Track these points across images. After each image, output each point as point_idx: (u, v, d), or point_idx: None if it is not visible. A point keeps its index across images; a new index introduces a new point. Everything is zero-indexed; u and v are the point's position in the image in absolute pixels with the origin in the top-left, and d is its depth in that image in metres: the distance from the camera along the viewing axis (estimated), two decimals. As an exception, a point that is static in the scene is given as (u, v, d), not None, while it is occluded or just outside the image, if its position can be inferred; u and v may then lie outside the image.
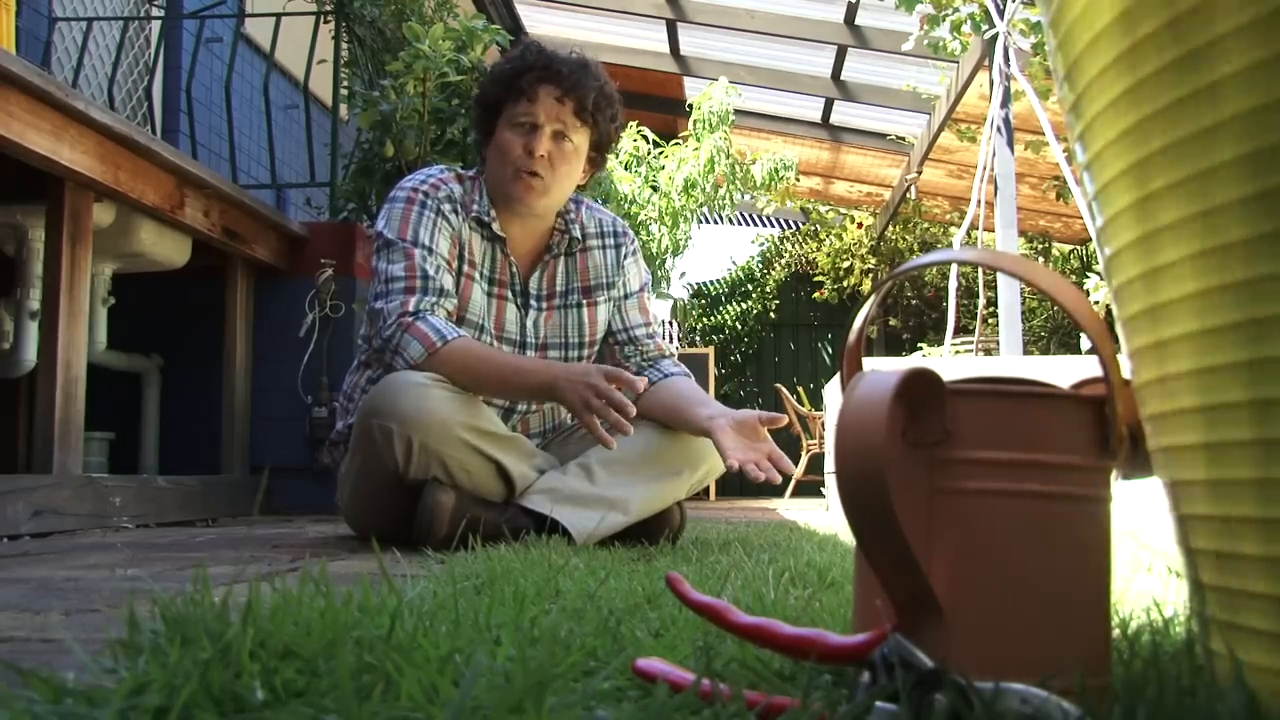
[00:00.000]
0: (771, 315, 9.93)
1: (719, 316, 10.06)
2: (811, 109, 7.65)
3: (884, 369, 0.61)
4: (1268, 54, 0.52)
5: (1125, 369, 0.66)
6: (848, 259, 9.32)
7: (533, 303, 2.19)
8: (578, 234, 2.21)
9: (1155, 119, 0.58)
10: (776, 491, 8.54)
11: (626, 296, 2.27)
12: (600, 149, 2.17)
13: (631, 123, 5.86)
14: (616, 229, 2.28)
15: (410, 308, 1.98)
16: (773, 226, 10.40)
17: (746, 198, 6.86)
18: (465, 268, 2.12)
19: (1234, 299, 0.55)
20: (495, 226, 2.13)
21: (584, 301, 2.23)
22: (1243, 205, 0.54)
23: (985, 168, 4.79)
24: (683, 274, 6.48)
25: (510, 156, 2.06)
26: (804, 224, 9.89)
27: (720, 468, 2.17)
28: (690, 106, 5.98)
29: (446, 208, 2.09)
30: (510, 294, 2.18)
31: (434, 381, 1.93)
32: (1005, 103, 4.57)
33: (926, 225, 8.99)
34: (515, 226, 2.17)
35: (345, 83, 4.06)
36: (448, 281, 2.04)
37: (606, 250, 2.25)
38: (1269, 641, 0.56)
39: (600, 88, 2.09)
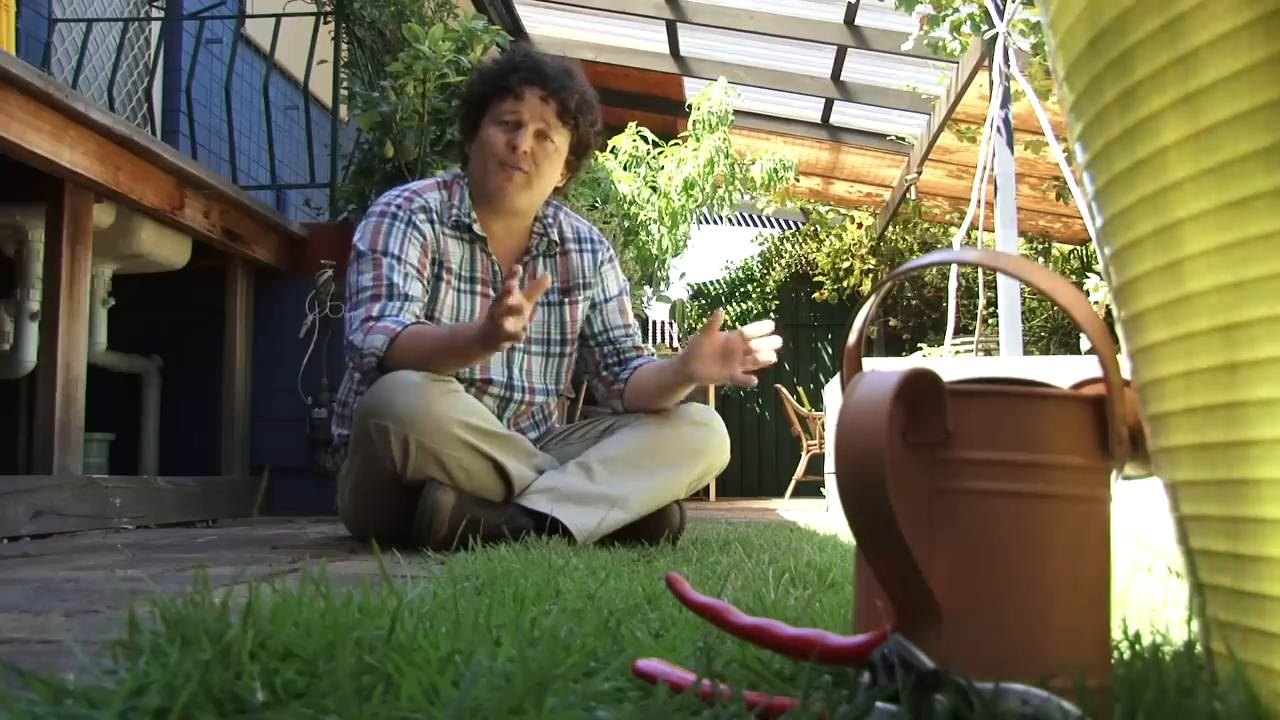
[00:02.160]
0: (771, 315, 9.92)
1: (719, 317, 10.05)
2: (811, 109, 7.64)
3: (884, 369, 0.61)
4: (1270, 52, 0.52)
5: (1125, 369, 0.66)
6: (848, 259, 9.32)
7: None
8: (556, 237, 2.29)
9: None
10: (777, 492, 8.55)
11: (606, 300, 2.33)
12: (579, 153, 2.25)
13: (631, 123, 5.86)
14: (593, 236, 2.37)
15: (374, 312, 2.02)
16: (772, 227, 10.40)
17: (746, 198, 6.86)
18: (443, 273, 2.16)
19: (1241, 296, 0.55)
20: (476, 227, 2.19)
21: (564, 300, 2.30)
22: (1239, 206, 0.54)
23: (985, 168, 4.78)
24: (683, 274, 6.49)
25: (494, 150, 2.14)
26: (804, 224, 9.89)
27: (720, 464, 2.20)
28: (690, 107, 5.98)
29: (420, 218, 2.15)
30: (493, 291, 2.23)
31: (430, 380, 1.93)
32: (1005, 103, 4.57)
33: (926, 225, 8.98)
34: (496, 225, 2.23)
35: (345, 84, 4.06)
36: (415, 289, 2.08)
37: (584, 254, 2.32)
38: (1269, 641, 0.56)
39: (583, 93, 2.18)
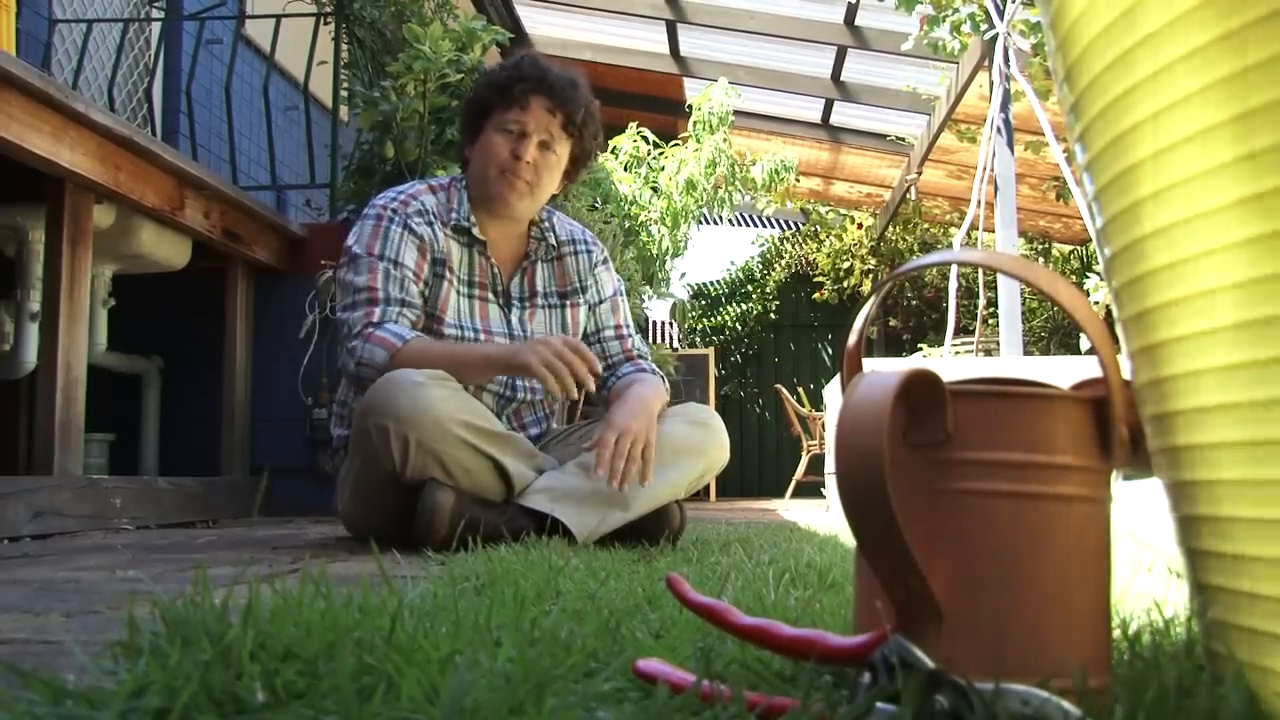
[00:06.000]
0: (771, 316, 9.93)
1: (719, 317, 10.06)
2: (811, 110, 7.64)
3: (884, 370, 0.61)
4: (1270, 52, 0.52)
5: (1125, 369, 0.66)
6: (848, 260, 9.32)
7: (515, 302, 2.28)
8: (553, 240, 2.32)
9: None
10: (777, 492, 8.55)
11: (600, 301, 2.37)
12: (578, 163, 2.29)
13: (631, 124, 5.85)
14: (586, 238, 2.40)
15: (375, 318, 2.04)
16: (773, 227, 10.40)
17: (746, 198, 6.86)
18: (445, 273, 2.18)
19: (1240, 298, 0.55)
20: (476, 231, 2.21)
21: (564, 303, 2.33)
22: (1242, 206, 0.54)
23: (985, 168, 4.78)
24: (683, 275, 6.49)
25: (496, 158, 2.16)
26: (804, 225, 9.89)
27: (720, 464, 2.21)
28: (690, 107, 5.98)
29: (416, 221, 2.16)
30: (492, 294, 2.25)
31: (430, 379, 1.93)
32: (1005, 104, 4.57)
33: (926, 226, 8.98)
34: (494, 230, 2.25)
35: (345, 84, 4.06)
36: (412, 293, 2.10)
37: (579, 255, 2.36)
38: (1269, 642, 0.56)
39: (588, 105, 2.21)
